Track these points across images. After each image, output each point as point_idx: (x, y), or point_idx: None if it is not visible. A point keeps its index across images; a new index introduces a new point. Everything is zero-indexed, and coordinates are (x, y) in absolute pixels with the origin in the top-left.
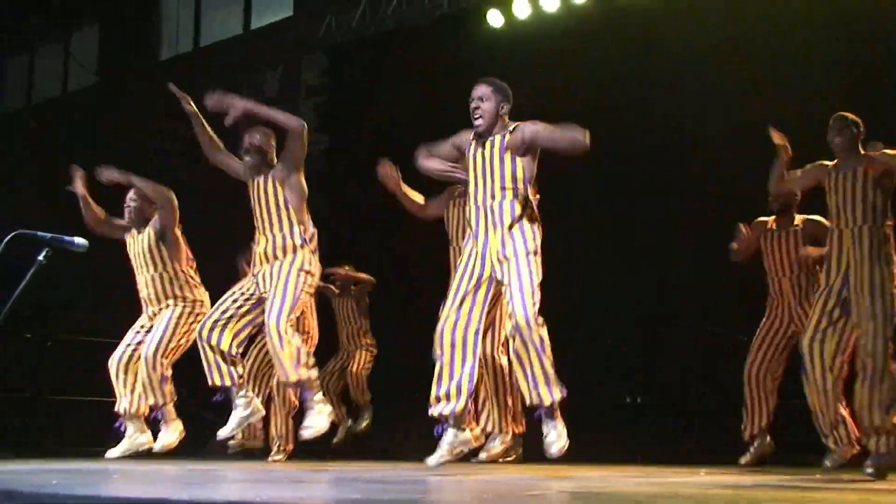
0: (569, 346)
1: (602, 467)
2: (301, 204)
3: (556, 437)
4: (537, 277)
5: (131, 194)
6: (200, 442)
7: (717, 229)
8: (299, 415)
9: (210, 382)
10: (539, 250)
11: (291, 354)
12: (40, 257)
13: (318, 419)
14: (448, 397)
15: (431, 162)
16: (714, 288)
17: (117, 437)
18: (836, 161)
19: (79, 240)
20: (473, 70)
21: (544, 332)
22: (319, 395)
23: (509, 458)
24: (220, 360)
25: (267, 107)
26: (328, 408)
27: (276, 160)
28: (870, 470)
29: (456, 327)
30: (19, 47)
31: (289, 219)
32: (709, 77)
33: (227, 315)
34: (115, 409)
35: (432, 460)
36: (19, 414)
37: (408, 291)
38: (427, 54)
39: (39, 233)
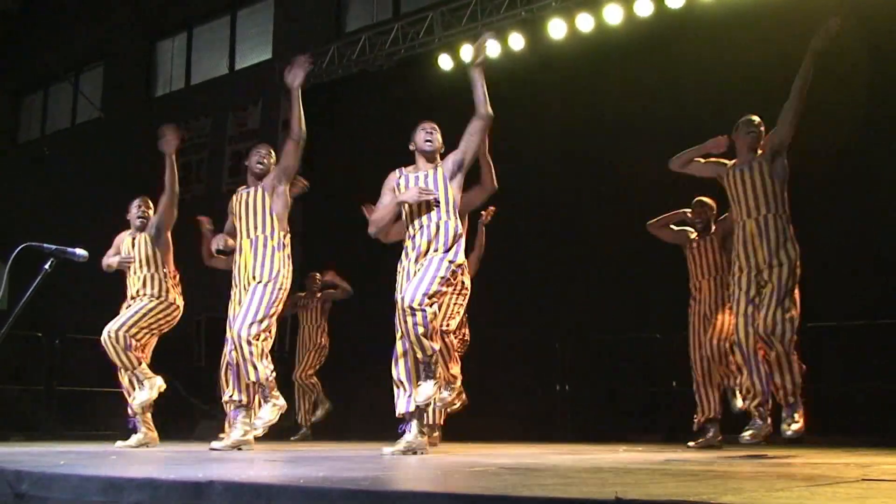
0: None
1: (537, 445)
2: (284, 212)
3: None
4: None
5: (141, 205)
6: (189, 426)
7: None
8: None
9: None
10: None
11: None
12: (46, 266)
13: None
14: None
15: (377, 212)
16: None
17: (133, 429)
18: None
19: (80, 251)
20: (427, 107)
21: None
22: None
23: (456, 406)
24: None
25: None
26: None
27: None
28: None
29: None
30: (35, 85)
31: (272, 224)
32: (644, 114)
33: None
34: (129, 410)
35: (388, 450)
36: (33, 403)
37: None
38: (387, 93)
39: (45, 245)
